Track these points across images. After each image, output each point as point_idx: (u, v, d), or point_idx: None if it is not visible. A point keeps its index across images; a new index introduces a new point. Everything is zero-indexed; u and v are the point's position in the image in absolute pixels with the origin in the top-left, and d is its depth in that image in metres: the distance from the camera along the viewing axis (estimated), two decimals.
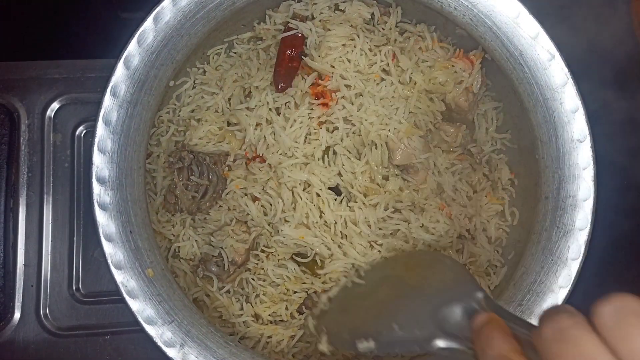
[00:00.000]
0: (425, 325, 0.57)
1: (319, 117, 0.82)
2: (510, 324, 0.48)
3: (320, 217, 0.80)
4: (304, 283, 0.81)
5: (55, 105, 0.94)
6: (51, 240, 0.91)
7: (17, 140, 0.92)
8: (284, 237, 0.79)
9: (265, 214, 0.82)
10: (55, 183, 0.92)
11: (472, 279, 0.61)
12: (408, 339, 0.59)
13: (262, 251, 0.82)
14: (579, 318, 0.40)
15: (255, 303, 0.81)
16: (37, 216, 0.91)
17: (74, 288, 0.91)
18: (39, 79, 0.94)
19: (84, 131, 0.94)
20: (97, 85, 0.94)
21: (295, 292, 0.81)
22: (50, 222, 0.92)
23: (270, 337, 0.80)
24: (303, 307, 0.82)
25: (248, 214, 0.82)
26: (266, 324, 0.81)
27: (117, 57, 0.74)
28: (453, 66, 0.84)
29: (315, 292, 0.81)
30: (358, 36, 0.83)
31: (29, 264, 0.90)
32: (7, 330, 0.88)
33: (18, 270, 0.89)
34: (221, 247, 0.80)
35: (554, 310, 0.42)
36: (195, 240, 0.83)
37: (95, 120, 0.73)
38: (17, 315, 0.89)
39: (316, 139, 0.82)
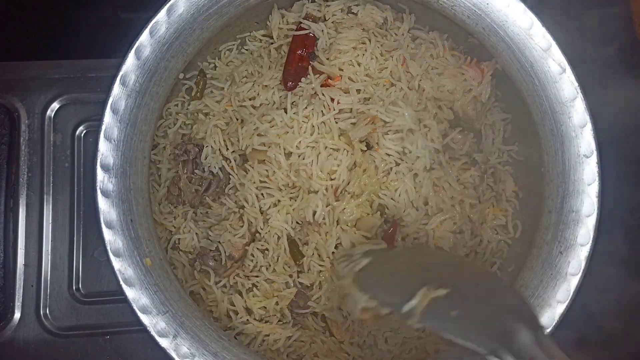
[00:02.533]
0: (487, 330, 0.56)
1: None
2: None
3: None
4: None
5: (55, 105, 0.94)
6: (51, 240, 0.91)
7: (17, 140, 0.93)
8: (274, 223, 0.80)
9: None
10: (55, 183, 0.93)
11: (532, 309, 0.61)
12: (462, 331, 0.57)
13: (258, 248, 0.82)
14: None
15: (249, 297, 0.81)
16: (37, 216, 0.91)
17: (74, 288, 0.91)
18: (39, 79, 0.94)
19: (84, 131, 0.95)
20: (97, 85, 0.94)
21: (286, 285, 0.81)
22: (50, 222, 0.92)
23: (267, 335, 0.80)
24: (294, 305, 0.82)
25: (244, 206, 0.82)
26: (262, 322, 0.81)
27: (129, 47, 0.74)
28: (463, 74, 0.84)
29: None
30: (369, 40, 0.83)
31: (29, 264, 0.90)
32: (7, 330, 0.89)
33: (18, 270, 0.90)
34: (219, 242, 0.80)
35: None
36: (196, 233, 0.83)
37: (103, 107, 0.73)
38: (17, 315, 0.89)
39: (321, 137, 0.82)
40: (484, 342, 0.55)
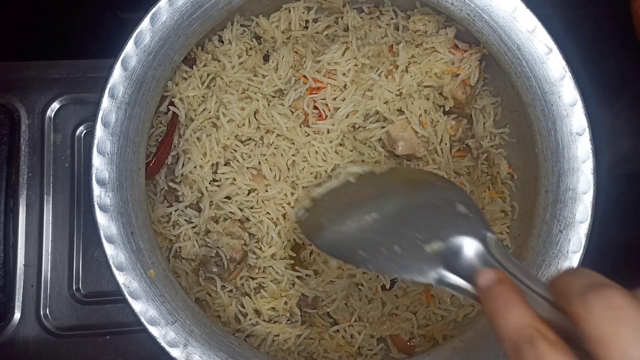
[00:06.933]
0: (430, 254, 0.52)
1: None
2: (520, 284, 0.45)
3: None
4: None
5: (55, 105, 0.93)
6: (51, 240, 0.91)
7: (17, 140, 0.92)
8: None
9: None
10: (55, 183, 0.92)
11: (482, 216, 0.55)
12: (410, 264, 0.54)
13: (260, 249, 0.82)
14: (630, 297, 0.37)
15: (257, 299, 0.81)
16: (37, 216, 0.91)
17: (74, 288, 0.91)
18: (39, 79, 0.93)
19: (84, 131, 0.94)
20: (97, 85, 0.93)
21: (293, 285, 0.82)
22: (50, 222, 0.91)
23: (277, 335, 0.80)
24: (302, 304, 0.82)
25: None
26: (270, 322, 0.81)
27: (115, 58, 0.73)
28: (451, 54, 0.85)
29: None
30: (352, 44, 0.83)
31: (29, 264, 0.90)
32: (7, 330, 0.88)
33: (18, 270, 0.89)
34: (217, 247, 0.80)
35: (586, 278, 0.40)
36: (196, 240, 0.83)
37: (94, 121, 0.72)
38: (17, 315, 0.89)
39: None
40: (427, 272, 0.52)
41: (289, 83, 0.84)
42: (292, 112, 0.83)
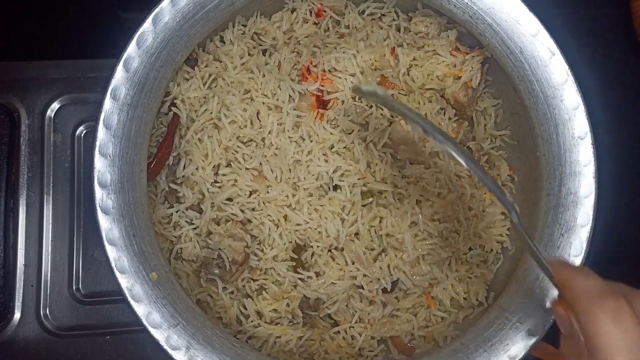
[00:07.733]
0: None
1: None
2: None
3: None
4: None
5: (55, 105, 0.93)
6: (51, 240, 0.91)
7: (17, 140, 0.92)
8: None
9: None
10: (55, 183, 0.92)
11: None
12: None
13: (262, 250, 0.82)
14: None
15: (258, 300, 0.81)
16: (37, 216, 0.91)
17: (74, 288, 0.91)
18: (39, 79, 0.93)
19: (84, 131, 0.94)
20: (97, 85, 0.93)
21: (295, 286, 0.82)
22: (50, 222, 0.91)
23: (279, 337, 0.80)
24: (304, 306, 0.82)
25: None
26: (272, 324, 0.81)
27: (117, 59, 0.73)
28: (453, 56, 0.85)
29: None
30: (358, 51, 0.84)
31: (29, 264, 0.89)
32: (7, 330, 0.88)
33: (18, 270, 0.89)
34: (219, 249, 0.80)
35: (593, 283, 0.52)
36: (197, 242, 0.83)
37: (96, 123, 0.72)
38: (17, 315, 0.88)
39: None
40: None
41: (290, 84, 0.84)
42: (294, 113, 0.83)
